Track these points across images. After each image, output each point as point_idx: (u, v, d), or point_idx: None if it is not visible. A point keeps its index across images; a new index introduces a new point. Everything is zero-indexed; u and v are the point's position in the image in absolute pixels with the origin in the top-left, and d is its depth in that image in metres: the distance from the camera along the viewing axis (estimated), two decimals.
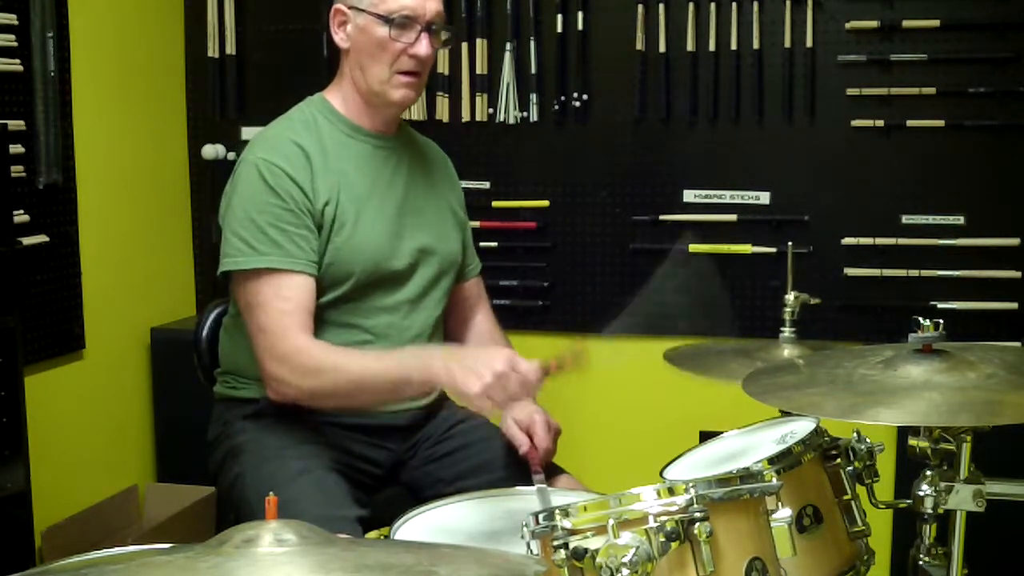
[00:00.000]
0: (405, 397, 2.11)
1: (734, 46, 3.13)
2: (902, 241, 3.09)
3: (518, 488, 2.00)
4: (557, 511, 1.43)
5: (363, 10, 2.09)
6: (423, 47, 2.08)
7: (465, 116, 3.31)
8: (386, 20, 2.07)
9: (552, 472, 2.17)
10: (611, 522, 1.39)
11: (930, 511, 1.74)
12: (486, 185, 3.33)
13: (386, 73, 2.10)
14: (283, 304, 2.03)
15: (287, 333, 2.02)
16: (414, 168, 2.25)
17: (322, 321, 2.12)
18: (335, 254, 2.09)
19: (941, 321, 1.71)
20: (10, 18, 2.75)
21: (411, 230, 2.19)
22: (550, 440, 2.13)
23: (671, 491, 1.43)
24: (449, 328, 2.39)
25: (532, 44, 3.25)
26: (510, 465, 2.17)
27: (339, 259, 2.09)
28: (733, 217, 3.19)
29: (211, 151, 3.42)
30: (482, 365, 1.88)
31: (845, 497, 1.75)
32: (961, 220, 3.06)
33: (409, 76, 2.11)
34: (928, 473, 1.75)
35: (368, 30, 2.09)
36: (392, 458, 2.22)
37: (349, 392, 2.03)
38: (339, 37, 2.14)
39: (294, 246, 2.04)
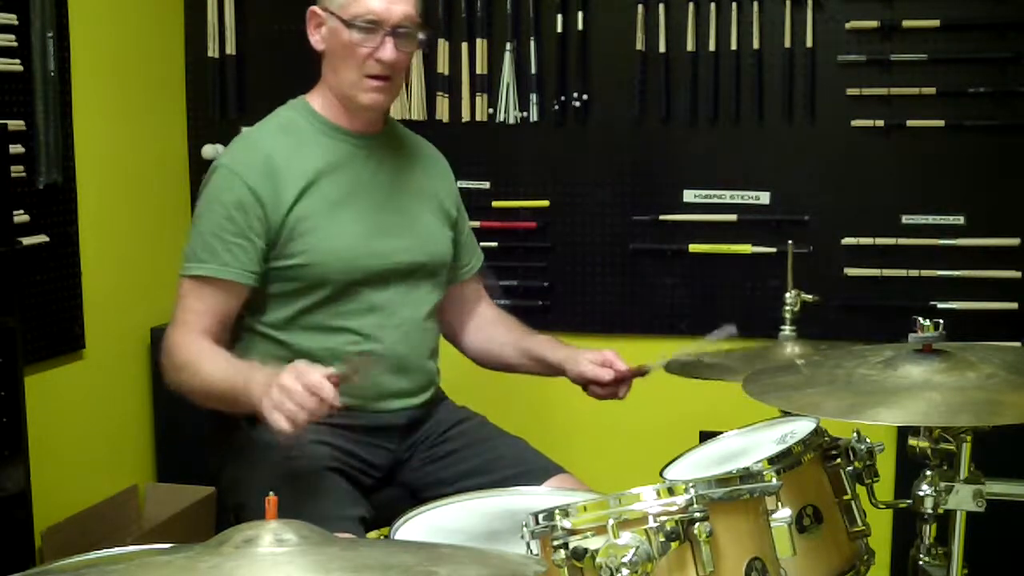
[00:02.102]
0: (246, 412, 2.01)
1: (734, 46, 3.13)
2: (902, 241, 3.09)
3: (518, 488, 2.00)
4: (557, 511, 1.43)
5: (333, 13, 2.10)
6: (387, 52, 2.08)
7: (465, 116, 3.31)
8: (349, 24, 2.07)
9: (551, 471, 2.17)
10: (611, 522, 1.39)
11: (930, 511, 1.74)
12: (486, 185, 3.33)
13: (355, 76, 2.11)
14: (196, 304, 2.09)
15: (180, 328, 2.08)
16: (400, 166, 2.25)
17: (309, 326, 2.14)
18: (310, 255, 2.10)
19: (941, 321, 1.71)
20: (10, 18, 2.75)
21: (393, 228, 2.19)
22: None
23: (671, 491, 1.43)
24: (454, 326, 2.39)
25: (532, 44, 3.25)
26: (510, 466, 2.18)
27: (314, 260, 2.10)
28: (733, 217, 3.19)
29: (211, 151, 3.42)
30: (272, 383, 1.84)
31: (845, 497, 1.75)
32: (961, 220, 3.06)
33: (378, 80, 2.11)
34: (928, 473, 1.75)
35: (337, 33, 2.10)
36: (390, 459, 2.22)
37: (202, 394, 2.04)
38: (315, 39, 2.16)
39: (229, 255, 2.07)
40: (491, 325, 2.42)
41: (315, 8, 2.15)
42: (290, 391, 1.81)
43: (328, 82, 2.18)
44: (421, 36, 2.16)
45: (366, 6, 2.06)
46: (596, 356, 2.26)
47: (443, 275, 2.30)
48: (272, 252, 2.10)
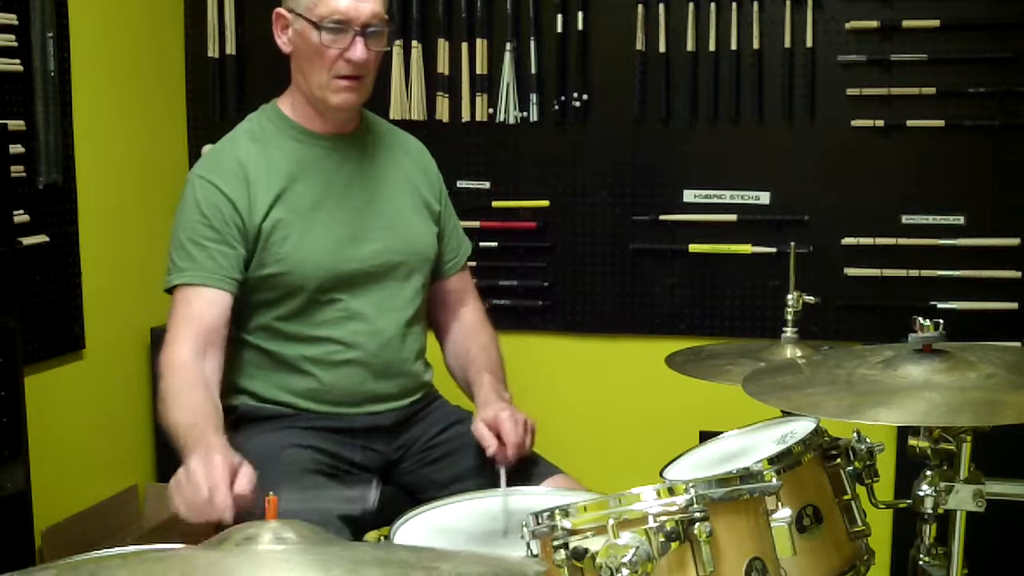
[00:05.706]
0: None
1: (734, 46, 3.13)
2: (902, 241, 3.08)
3: (518, 488, 2.00)
4: (557, 511, 1.43)
5: (300, 15, 2.08)
6: (357, 51, 2.06)
7: (465, 116, 3.31)
8: (318, 26, 2.05)
9: (548, 472, 2.15)
10: (611, 522, 1.39)
11: (930, 511, 1.74)
12: (486, 185, 3.33)
13: (324, 78, 2.09)
14: (184, 319, 2.04)
15: (175, 343, 2.01)
16: (376, 164, 2.23)
17: (290, 336, 2.13)
18: (286, 263, 2.09)
19: (941, 321, 1.71)
20: (10, 18, 2.75)
21: (372, 231, 2.17)
22: (520, 435, 2.06)
23: (671, 491, 1.43)
24: (438, 326, 2.38)
25: (532, 44, 3.25)
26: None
27: (291, 268, 2.09)
28: (733, 217, 3.19)
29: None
30: (186, 470, 1.78)
31: (845, 497, 1.75)
32: (961, 220, 3.06)
33: (348, 80, 2.09)
34: (928, 473, 1.75)
35: (305, 35, 2.08)
36: (380, 460, 2.19)
37: (169, 431, 1.97)
38: (282, 41, 2.14)
39: (211, 261, 2.05)
40: (464, 339, 2.35)
41: (280, 10, 2.13)
42: (190, 476, 1.75)
43: (297, 84, 2.16)
44: (389, 33, 2.14)
45: (334, 6, 2.04)
46: (491, 418, 2.08)
47: (427, 273, 2.27)
48: (249, 260, 2.09)
